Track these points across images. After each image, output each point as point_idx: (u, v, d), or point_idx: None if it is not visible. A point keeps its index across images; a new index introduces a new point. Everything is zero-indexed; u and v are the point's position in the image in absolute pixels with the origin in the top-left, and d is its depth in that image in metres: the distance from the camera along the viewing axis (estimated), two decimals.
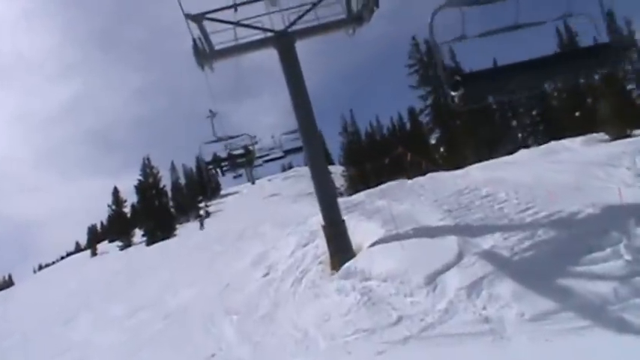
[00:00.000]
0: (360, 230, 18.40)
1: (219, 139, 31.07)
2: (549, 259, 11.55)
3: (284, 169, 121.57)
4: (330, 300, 14.19)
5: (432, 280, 12.06)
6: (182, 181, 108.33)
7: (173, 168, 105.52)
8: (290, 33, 17.52)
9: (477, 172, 26.14)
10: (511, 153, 37.39)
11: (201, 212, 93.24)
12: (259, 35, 17.66)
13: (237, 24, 17.39)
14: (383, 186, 32.08)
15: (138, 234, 76.92)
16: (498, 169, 25.06)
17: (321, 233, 18.48)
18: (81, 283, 44.08)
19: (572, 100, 52.94)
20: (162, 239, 64.13)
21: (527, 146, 48.99)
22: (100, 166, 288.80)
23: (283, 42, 17.45)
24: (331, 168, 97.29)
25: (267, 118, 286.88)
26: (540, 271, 11.10)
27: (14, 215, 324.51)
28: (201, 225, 66.05)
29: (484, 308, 10.57)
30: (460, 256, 12.60)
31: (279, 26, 17.53)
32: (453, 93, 11.41)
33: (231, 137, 31.90)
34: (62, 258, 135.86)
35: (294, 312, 14.88)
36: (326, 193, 18.15)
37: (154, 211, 69.30)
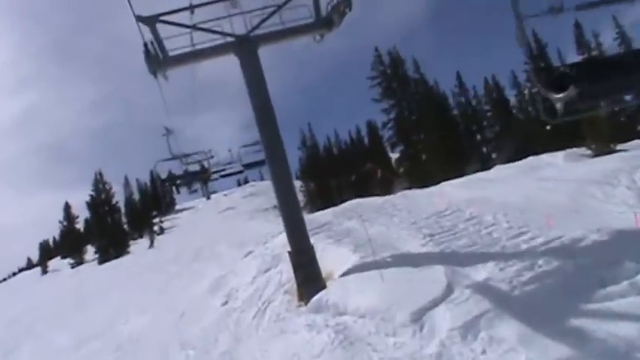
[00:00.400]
0: (330, 256, 16.66)
1: (174, 157, 30.50)
2: (556, 295, 10.05)
3: (240, 184, 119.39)
4: (298, 337, 12.40)
5: (418, 317, 10.34)
6: (136, 196, 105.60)
7: (127, 183, 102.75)
8: (253, 38, 15.81)
9: (454, 191, 24.51)
10: (484, 169, 35.73)
11: (155, 228, 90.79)
12: (219, 40, 15.92)
13: (194, 28, 15.63)
14: (349, 203, 30.48)
15: (90, 251, 74.06)
16: (478, 188, 23.57)
17: (285, 257, 16.85)
18: (27, 305, 41.54)
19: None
20: (116, 257, 61.76)
21: (491, 160, 47.85)
22: (54, 179, 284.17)
23: (245, 47, 15.74)
24: None
25: (224, 131, 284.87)
26: (548, 309, 9.57)
27: None
28: (151, 243, 63.74)
29: (483, 352, 8.91)
30: (450, 290, 10.93)
31: (241, 30, 15.80)
32: (556, 95, 7.73)
33: (187, 155, 31.15)
34: (14, 274, 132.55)
35: (257, 349, 13.25)
36: (293, 215, 16.36)
37: (107, 228, 66.51)
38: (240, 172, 33.03)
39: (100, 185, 68.38)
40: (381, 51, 60.75)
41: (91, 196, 68.71)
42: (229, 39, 15.82)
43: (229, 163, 32.00)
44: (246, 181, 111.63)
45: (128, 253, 64.37)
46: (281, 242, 18.87)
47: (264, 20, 15.79)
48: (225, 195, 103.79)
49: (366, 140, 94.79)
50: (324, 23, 15.99)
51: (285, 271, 17.32)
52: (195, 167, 32.29)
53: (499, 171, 33.29)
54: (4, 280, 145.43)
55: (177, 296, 24.12)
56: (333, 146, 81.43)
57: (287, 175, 17.02)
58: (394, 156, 71.89)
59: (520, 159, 37.20)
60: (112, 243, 64.98)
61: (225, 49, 16.00)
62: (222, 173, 32.92)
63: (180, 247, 45.64)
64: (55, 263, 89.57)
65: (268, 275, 18.99)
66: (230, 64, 16.19)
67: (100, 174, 68.66)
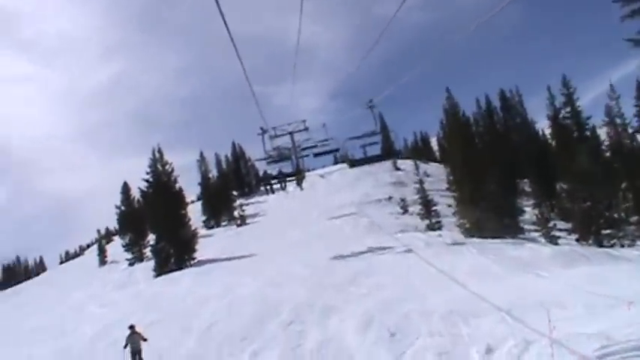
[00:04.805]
0: None
1: (269, 157, 30.29)
2: None
3: (337, 161, 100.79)
4: None
5: None
6: (213, 173, 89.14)
7: (202, 158, 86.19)
8: None
9: None
10: None
11: (236, 214, 74.80)
12: None
13: None
14: None
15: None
16: None
17: None
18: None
19: None
20: (179, 267, 45.36)
21: None
22: (139, 145, 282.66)
23: None
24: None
25: (310, 101, 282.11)
26: None
27: (53, 192, 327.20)
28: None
29: None
30: None
31: None
32: None
33: (282, 157, 30.64)
34: (91, 244, 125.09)
35: None
36: None
37: (167, 226, 48.66)
38: (337, 150, 31.72)
39: (158, 166, 50.25)
40: None
41: (148, 181, 50.64)
42: None
43: (324, 140, 30.65)
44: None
45: (193, 259, 47.17)
46: None
47: None
48: (321, 176, 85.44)
49: (499, 113, 76.73)
50: None
51: None
52: (288, 164, 31.71)
53: None
54: (81, 250, 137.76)
55: None
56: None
57: None
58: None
59: None
60: (173, 244, 47.48)
61: None
62: (316, 151, 31.12)
63: (263, 279, 28.41)
64: (115, 251, 76.79)
65: None
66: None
67: (159, 151, 50.33)
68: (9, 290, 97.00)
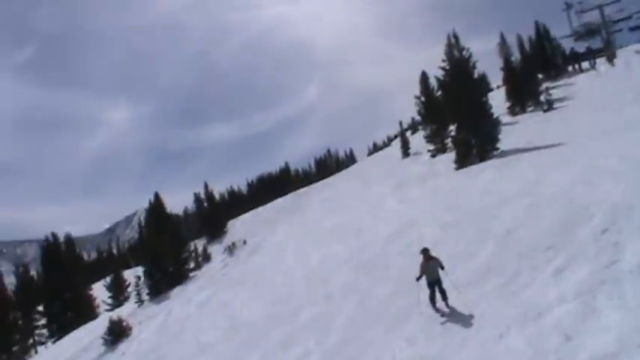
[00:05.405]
0: None
1: (576, 34, 25.12)
2: None
3: None
4: None
5: None
6: (516, 57, 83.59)
7: (503, 42, 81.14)
8: None
9: None
10: None
11: (542, 98, 69.99)
12: None
13: None
14: None
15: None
16: None
17: None
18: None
19: None
20: (481, 158, 43.29)
21: None
22: (440, 34, 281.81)
23: None
24: None
25: None
26: None
27: (360, 86, 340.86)
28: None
29: None
30: None
31: None
32: None
33: (590, 33, 25.80)
34: (395, 137, 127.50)
35: None
36: None
37: (468, 116, 45.15)
38: None
39: (455, 53, 47.48)
40: None
41: (444, 69, 48.39)
42: None
43: None
44: None
45: (497, 149, 44.22)
46: None
47: None
48: (637, 52, 75.90)
49: None
50: None
51: None
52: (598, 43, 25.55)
53: None
54: (389, 141, 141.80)
55: None
56: None
57: None
58: None
59: None
60: (475, 134, 45.03)
61: None
62: (632, 24, 28.95)
63: (571, 175, 24.21)
64: (418, 142, 78.33)
65: None
66: None
67: (455, 36, 47.19)
68: (320, 183, 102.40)
